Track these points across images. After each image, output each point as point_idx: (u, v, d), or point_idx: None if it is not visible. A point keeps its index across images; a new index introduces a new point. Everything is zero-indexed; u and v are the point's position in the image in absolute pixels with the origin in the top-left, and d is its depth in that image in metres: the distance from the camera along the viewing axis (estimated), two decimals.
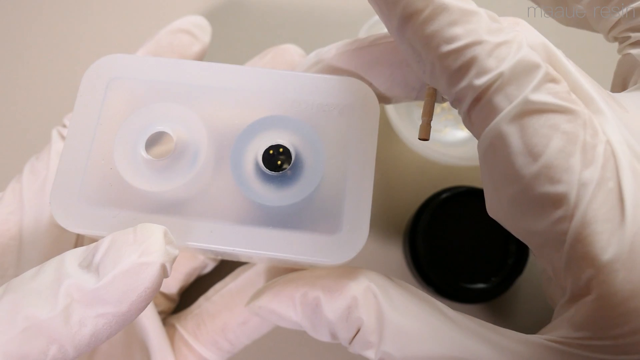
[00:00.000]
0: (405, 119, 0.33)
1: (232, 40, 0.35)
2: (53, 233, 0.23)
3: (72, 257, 0.17)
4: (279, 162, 0.21)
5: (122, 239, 0.17)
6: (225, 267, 0.31)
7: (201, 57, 0.27)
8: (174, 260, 0.18)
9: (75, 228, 0.20)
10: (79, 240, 0.25)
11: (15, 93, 0.34)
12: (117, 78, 0.21)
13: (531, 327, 0.31)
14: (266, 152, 0.20)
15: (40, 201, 0.23)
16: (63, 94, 0.34)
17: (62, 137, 0.24)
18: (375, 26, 0.31)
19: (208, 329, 0.25)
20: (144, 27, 0.35)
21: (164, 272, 0.17)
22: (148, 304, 0.17)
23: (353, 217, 0.20)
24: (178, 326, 0.25)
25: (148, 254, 0.17)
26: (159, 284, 0.17)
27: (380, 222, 0.32)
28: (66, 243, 0.24)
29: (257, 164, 0.21)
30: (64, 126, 0.25)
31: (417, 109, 0.34)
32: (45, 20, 0.35)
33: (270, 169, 0.20)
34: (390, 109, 0.29)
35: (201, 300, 0.26)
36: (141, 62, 0.21)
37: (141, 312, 0.17)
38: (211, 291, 0.26)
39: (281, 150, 0.21)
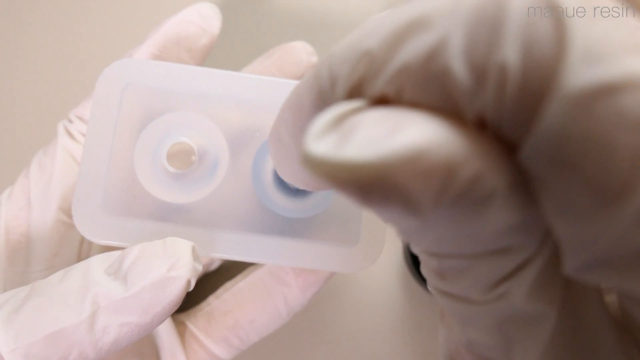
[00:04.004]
0: None
1: (230, 39, 0.35)
2: (59, 230, 0.24)
3: (99, 263, 0.18)
4: None
5: (151, 251, 0.18)
6: (229, 265, 0.31)
7: (209, 49, 0.26)
8: (197, 275, 0.18)
9: (99, 239, 0.20)
10: (85, 239, 0.25)
11: (20, 86, 0.34)
12: (131, 84, 0.21)
13: None
14: None
15: (47, 197, 0.23)
16: (68, 87, 0.33)
17: (68, 132, 0.24)
18: None
19: (219, 326, 0.25)
20: (147, 19, 0.34)
21: (188, 287, 0.18)
22: (168, 316, 0.18)
23: (370, 225, 0.21)
24: (188, 323, 0.25)
25: (177, 269, 0.17)
26: (182, 298, 0.18)
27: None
28: (72, 240, 0.24)
29: (277, 176, 0.21)
30: (70, 121, 0.25)
31: None
32: (47, 11, 0.35)
33: None
34: None
35: (211, 298, 0.26)
36: (156, 68, 0.21)
37: (161, 323, 0.18)
38: (221, 290, 0.26)
39: None
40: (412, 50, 0.09)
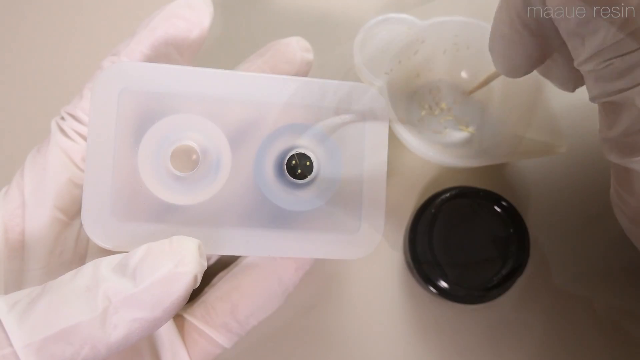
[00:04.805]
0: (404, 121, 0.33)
1: (227, 38, 0.35)
2: (56, 228, 0.24)
3: (108, 262, 0.18)
4: (300, 170, 0.22)
5: (158, 248, 0.18)
6: (225, 258, 0.31)
7: (200, 43, 0.25)
8: (203, 271, 0.18)
9: (111, 245, 0.21)
10: (81, 235, 0.25)
11: (17, 85, 0.34)
12: (128, 88, 0.21)
13: (531, 328, 0.31)
14: (289, 160, 0.21)
15: (42, 195, 0.23)
16: (66, 85, 0.33)
17: (61, 130, 0.24)
18: (375, 28, 0.31)
19: (217, 312, 0.25)
20: (140, 13, 0.33)
21: (195, 282, 0.18)
22: (177, 311, 0.18)
23: (370, 213, 0.22)
24: (185, 315, 0.25)
25: (183, 265, 0.18)
26: (189, 293, 0.18)
27: None
28: (69, 238, 0.24)
29: (281, 172, 0.22)
30: (62, 118, 0.25)
31: (416, 111, 0.34)
32: (40, 9, 0.35)
33: (293, 176, 0.22)
34: (389, 111, 0.29)
35: (206, 288, 0.26)
36: (152, 71, 0.21)
37: (170, 318, 0.18)
38: (215, 279, 0.27)
39: (297, 158, 0.22)
40: None
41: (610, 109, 0.19)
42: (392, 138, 0.31)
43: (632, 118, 0.18)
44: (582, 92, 0.21)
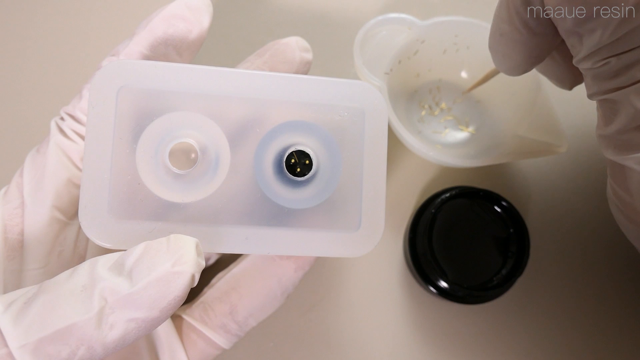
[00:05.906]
0: (404, 122, 0.33)
1: (227, 39, 0.35)
2: (54, 227, 0.24)
3: (104, 261, 0.18)
4: (300, 168, 0.22)
5: (155, 247, 0.18)
6: (224, 257, 0.31)
7: (199, 44, 0.25)
8: (201, 270, 0.18)
9: (108, 243, 0.20)
10: (81, 235, 0.25)
11: (16, 84, 0.34)
12: (126, 86, 0.21)
13: (531, 328, 0.31)
14: (288, 158, 0.21)
15: (41, 195, 0.23)
16: (67, 85, 0.33)
17: (60, 130, 0.24)
18: (375, 28, 0.31)
19: (216, 313, 0.25)
20: (141, 13, 0.34)
21: (192, 282, 0.18)
22: (174, 311, 0.18)
23: (370, 210, 0.22)
24: (184, 315, 0.25)
25: (181, 264, 0.17)
26: (187, 292, 0.18)
27: None
28: (68, 237, 0.24)
29: (280, 170, 0.22)
30: (62, 118, 0.24)
31: (416, 111, 0.34)
32: (43, 9, 0.35)
33: (292, 174, 0.22)
34: (389, 111, 0.29)
35: (205, 289, 0.26)
36: (149, 69, 0.21)
37: (167, 318, 0.18)
38: (214, 279, 0.26)
39: (296, 156, 0.22)
40: None
41: (607, 106, 0.19)
42: (392, 138, 0.31)
43: (629, 116, 0.18)
44: (582, 92, 0.21)
